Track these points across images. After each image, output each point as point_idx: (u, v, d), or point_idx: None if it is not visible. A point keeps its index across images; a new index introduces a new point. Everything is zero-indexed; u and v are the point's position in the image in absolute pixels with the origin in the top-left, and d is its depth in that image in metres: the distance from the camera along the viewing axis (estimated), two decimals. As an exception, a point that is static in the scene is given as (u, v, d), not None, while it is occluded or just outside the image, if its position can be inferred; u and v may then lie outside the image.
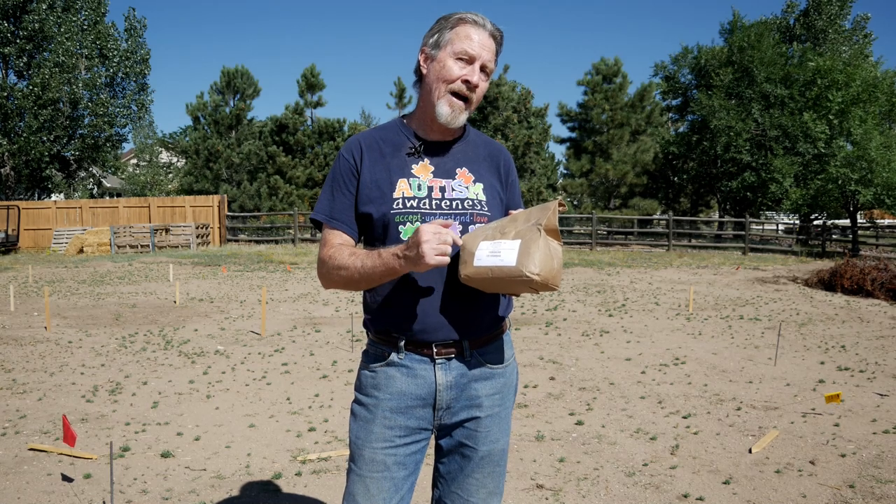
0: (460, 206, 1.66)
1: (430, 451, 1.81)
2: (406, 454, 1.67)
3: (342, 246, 1.66)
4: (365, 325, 1.74)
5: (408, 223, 1.62)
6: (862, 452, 3.74)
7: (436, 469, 1.80)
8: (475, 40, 1.62)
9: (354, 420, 1.72)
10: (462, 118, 1.65)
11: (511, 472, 3.43)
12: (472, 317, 1.66)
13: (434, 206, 1.64)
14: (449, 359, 1.66)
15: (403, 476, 1.67)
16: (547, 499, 3.15)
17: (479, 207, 1.68)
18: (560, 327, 7.67)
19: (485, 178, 1.73)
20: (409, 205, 1.63)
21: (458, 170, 1.70)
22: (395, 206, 1.63)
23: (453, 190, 1.67)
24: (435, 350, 1.64)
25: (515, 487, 3.26)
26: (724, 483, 3.32)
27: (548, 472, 3.45)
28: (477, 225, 1.66)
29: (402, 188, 1.64)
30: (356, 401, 1.73)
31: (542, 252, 1.47)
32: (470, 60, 1.62)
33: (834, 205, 21.38)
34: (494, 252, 1.50)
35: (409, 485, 1.70)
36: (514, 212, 1.66)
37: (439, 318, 1.63)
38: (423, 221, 1.62)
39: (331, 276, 1.65)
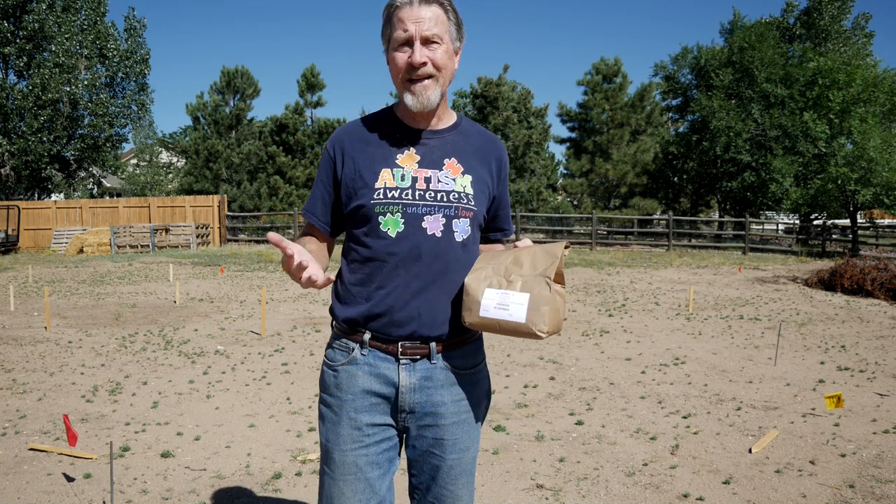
0: (445, 199, 1.59)
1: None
2: (377, 453, 1.62)
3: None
4: (331, 311, 1.68)
5: (388, 214, 1.57)
6: (862, 452, 3.74)
7: (409, 481, 1.74)
8: (405, 19, 1.53)
9: (322, 422, 1.67)
10: (432, 95, 1.56)
11: (511, 471, 3.44)
12: (442, 317, 1.60)
13: (417, 198, 1.57)
14: (414, 360, 1.60)
15: (378, 476, 1.62)
16: (547, 499, 3.15)
17: (464, 201, 1.61)
18: (560, 327, 7.66)
19: (475, 171, 1.65)
20: (390, 195, 1.57)
21: (446, 160, 1.63)
22: (375, 197, 1.57)
23: (439, 181, 1.60)
24: (400, 349, 1.59)
25: (515, 487, 3.26)
26: (724, 483, 3.32)
27: (548, 472, 3.45)
28: (462, 220, 1.61)
29: (385, 178, 1.58)
30: (322, 401, 1.68)
31: (550, 308, 1.50)
32: (409, 43, 1.55)
33: (834, 205, 21.38)
34: (502, 305, 1.51)
35: (387, 484, 1.65)
36: (518, 245, 1.61)
37: (407, 313, 1.57)
38: (405, 213, 1.57)
39: None
